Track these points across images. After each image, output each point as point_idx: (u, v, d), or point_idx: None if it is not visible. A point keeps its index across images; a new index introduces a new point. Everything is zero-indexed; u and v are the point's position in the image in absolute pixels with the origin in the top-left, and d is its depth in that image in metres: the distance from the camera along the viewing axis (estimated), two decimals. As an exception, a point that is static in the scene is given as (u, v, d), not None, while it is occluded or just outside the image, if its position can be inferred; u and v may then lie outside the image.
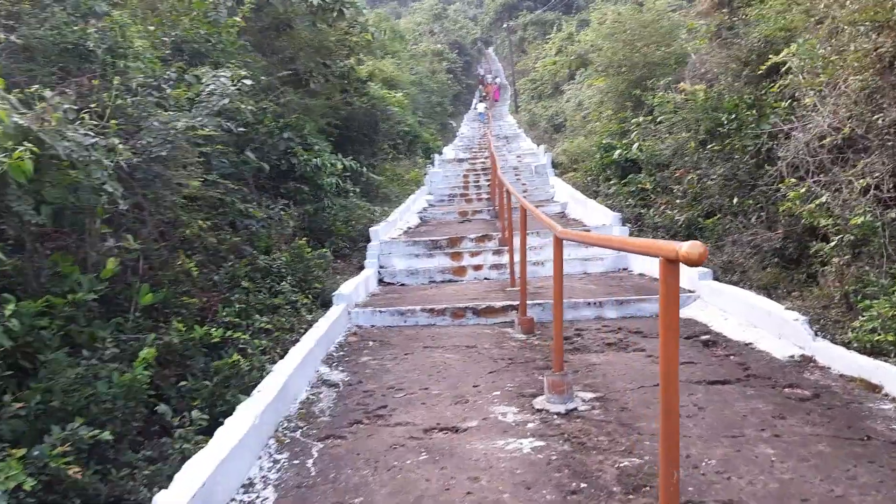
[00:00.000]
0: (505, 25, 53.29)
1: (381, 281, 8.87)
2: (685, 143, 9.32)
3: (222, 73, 5.43)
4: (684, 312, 6.21)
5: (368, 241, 9.75)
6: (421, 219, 13.48)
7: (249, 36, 10.76)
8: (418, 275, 8.89)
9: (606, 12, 30.49)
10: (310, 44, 12.27)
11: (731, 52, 9.11)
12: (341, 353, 5.39)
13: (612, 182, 12.81)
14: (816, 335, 4.53)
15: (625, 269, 8.73)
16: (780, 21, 8.54)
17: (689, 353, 4.84)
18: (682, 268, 6.27)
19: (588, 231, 9.67)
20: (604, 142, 14.00)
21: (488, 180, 17.48)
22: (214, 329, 4.64)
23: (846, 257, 5.11)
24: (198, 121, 4.85)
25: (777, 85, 7.77)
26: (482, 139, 30.14)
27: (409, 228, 11.93)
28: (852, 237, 5.24)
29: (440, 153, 22.81)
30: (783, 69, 7.65)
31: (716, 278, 6.45)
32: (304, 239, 7.66)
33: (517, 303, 6.41)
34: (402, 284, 8.76)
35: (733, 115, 7.78)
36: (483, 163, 20.80)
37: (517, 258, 7.84)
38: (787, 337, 4.72)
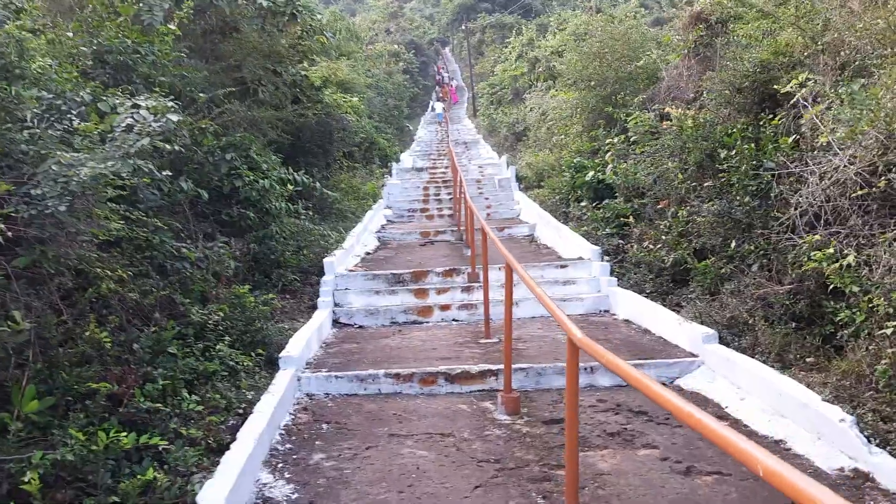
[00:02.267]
0: (463, 27, 52.52)
1: (336, 321, 7.90)
2: (669, 172, 8.59)
3: (143, 104, 4.39)
4: (686, 383, 5.44)
5: (322, 272, 8.76)
6: (380, 240, 12.52)
7: (190, 41, 9.64)
8: (378, 315, 7.94)
9: (567, 18, 30.10)
10: (258, 49, 11.18)
11: (721, 77, 8.40)
12: (288, 445, 4.41)
13: (583, 204, 12.07)
14: (869, 440, 3.77)
15: (607, 312, 7.95)
16: (776, 44, 7.88)
17: (709, 454, 4.03)
18: (682, 328, 5.47)
19: (565, 266, 8.87)
20: (574, 160, 13.26)
21: (449, 193, 16.63)
22: (124, 436, 3.62)
23: (888, 332, 4.38)
24: (109, 165, 3.82)
25: (778, 118, 7.09)
26: (441, 143, 29.26)
27: (368, 254, 10.96)
28: (891, 309, 4.51)
29: (398, 161, 21.83)
30: (787, 100, 6.98)
31: (721, 339, 5.69)
32: (247, 284, 6.65)
33: (496, 368, 5.54)
34: (361, 327, 7.80)
35: (733, 150, 7.04)
36: (444, 173, 19.93)
37: (492, 298, 7.01)
38: (829, 440, 3.95)
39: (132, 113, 4.25)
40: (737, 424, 4.52)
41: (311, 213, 12.36)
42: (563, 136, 16.94)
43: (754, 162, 6.83)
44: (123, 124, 4.16)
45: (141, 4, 7.83)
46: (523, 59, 30.66)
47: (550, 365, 5.57)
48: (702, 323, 6.02)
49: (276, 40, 12.06)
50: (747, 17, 11.62)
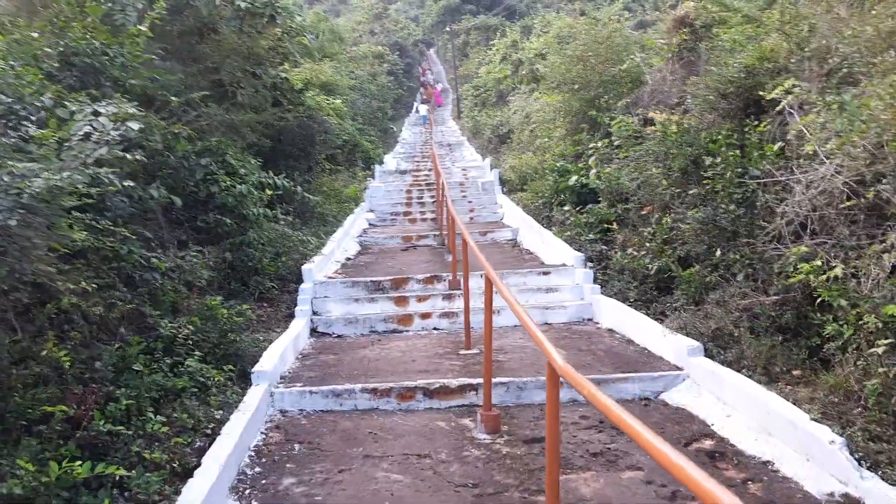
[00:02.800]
0: (447, 29, 52.34)
1: (314, 330, 7.70)
2: (653, 177, 8.47)
3: (104, 110, 4.17)
4: (671, 397, 5.30)
5: (301, 279, 8.55)
6: (361, 245, 12.32)
7: (166, 42, 9.41)
8: (358, 324, 7.76)
9: (551, 20, 30.02)
10: (238, 51, 10.94)
11: (705, 82, 8.30)
12: (257, 468, 4.22)
13: (566, 209, 11.94)
14: (860, 463, 3.63)
15: (590, 320, 7.80)
16: (761, 50, 7.78)
17: (696, 475, 3.88)
18: (667, 340, 5.33)
19: (548, 273, 8.72)
20: (558, 164, 13.13)
21: (433, 196, 16.45)
22: (79, 465, 3.41)
23: (879, 350, 4.26)
24: (64, 176, 3.60)
25: (763, 124, 6.98)
26: (425, 145, 29.07)
27: (349, 260, 10.75)
28: (880, 324, 4.40)
29: (381, 163, 21.61)
30: (772, 107, 6.87)
31: (707, 352, 5.55)
32: (222, 294, 6.44)
33: (476, 382, 5.37)
34: (340, 336, 7.61)
35: (718, 158, 6.92)
36: (427, 175, 19.74)
37: (473, 306, 6.85)
38: (819, 462, 3.81)
39: (90, 120, 4.04)
40: (723, 443, 4.38)
41: (291, 217, 12.16)
42: (546, 140, 16.83)
43: (739, 169, 6.71)
44: (81, 132, 3.95)
45: (112, 4, 7.61)
46: (507, 61, 30.56)
47: (532, 379, 5.41)
48: (687, 334, 5.89)
49: (255, 42, 11.83)
50: (731, 21, 11.56)
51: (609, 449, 4.36)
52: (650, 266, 7.67)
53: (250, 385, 5.33)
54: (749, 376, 4.98)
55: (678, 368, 5.56)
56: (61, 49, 5.97)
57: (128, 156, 4.27)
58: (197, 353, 5.36)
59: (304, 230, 11.78)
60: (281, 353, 5.92)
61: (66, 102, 4.64)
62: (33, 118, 4.39)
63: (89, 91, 5.86)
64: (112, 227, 5.42)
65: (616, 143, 11.57)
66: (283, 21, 9.89)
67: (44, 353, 4.06)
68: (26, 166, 3.56)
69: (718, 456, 4.20)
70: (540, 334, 3.20)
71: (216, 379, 5.31)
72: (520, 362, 6.05)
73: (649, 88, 12.50)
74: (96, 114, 4.15)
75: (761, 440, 4.26)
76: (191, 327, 5.48)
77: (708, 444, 4.38)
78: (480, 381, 5.34)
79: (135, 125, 4.24)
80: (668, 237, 7.87)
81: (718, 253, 6.68)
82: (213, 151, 7.99)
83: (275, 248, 9.17)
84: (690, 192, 7.40)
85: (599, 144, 11.64)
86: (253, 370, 5.37)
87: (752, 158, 6.78)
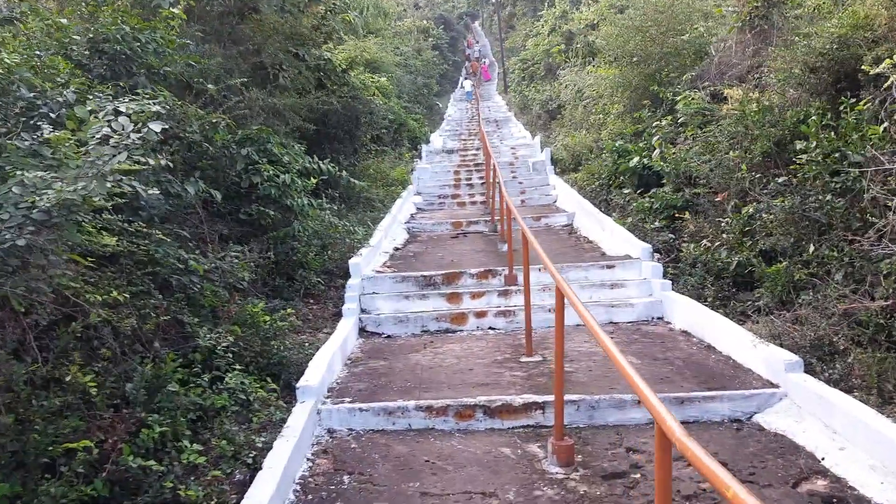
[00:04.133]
0: (493, 0, 51.11)
1: (363, 330, 7.26)
2: (729, 161, 7.71)
3: (124, 108, 3.71)
4: (767, 420, 4.66)
5: (347, 274, 8.10)
6: (409, 232, 11.82)
7: (204, 24, 8.98)
8: (408, 323, 7.28)
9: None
10: (280, 31, 10.47)
11: (788, 54, 7.47)
12: (304, 509, 3.77)
13: (626, 192, 11.22)
14: None
15: (660, 319, 7.17)
16: (854, 17, 6.92)
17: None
18: (757, 351, 4.67)
19: (612, 266, 8.06)
20: (616, 143, 12.36)
21: (481, 178, 15.85)
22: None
23: None
24: (79, 187, 3.16)
25: (863, 102, 6.18)
26: (471, 122, 28.36)
27: (397, 250, 10.26)
28: None
29: (427, 142, 21.03)
30: (870, 83, 6.07)
31: (806, 366, 4.88)
32: (264, 295, 6.01)
33: (542, 400, 4.83)
34: (389, 337, 7.15)
35: (811, 142, 6.16)
36: (475, 155, 19.09)
37: (533, 303, 6.27)
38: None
39: (110, 120, 3.59)
40: (840, 485, 3.75)
41: (337, 204, 11.73)
42: (601, 116, 16.01)
43: (837, 154, 5.94)
44: (99, 135, 3.50)
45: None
46: (556, 32, 29.44)
47: (606, 396, 4.84)
48: (781, 344, 5.22)
49: (298, 21, 11.35)
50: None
51: (704, 491, 3.77)
52: (729, 260, 6.97)
53: (295, 400, 4.89)
54: (864, 400, 4.31)
55: (773, 385, 4.90)
56: (91, 36, 5.55)
57: (151, 161, 3.81)
58: (237, 366, 4.94)
59: (350, 217, 11.34)
60: (328, 361, 5.46)
61: (89, 97, 4.20)
62: (53, 115, 3.97)
63: (119, 81, 5.45)
64: (145, 230, 5.02)
65: (681, 121, 10.78)
66: (326, -1, 9.31)
67: (68, 378, 3.67)
68: (38, 175, 3.13)
69: (837, 503, 3.57)
70: (639, 380, 2.63)
71: (258, 394, 4.89)
72: (588, 373, 5.48)
73: (716, 60, 11.60)
74: (117, 112, 3.69)
75: (888, 483, 3.61)
76: (230, 338, 5.04)
77: (821, 484, 3.75)
78: (547, 398, 4.81)
79: (157, 126, 3.76)
80: (748, 228, 7.15)
81: (811, 248, 5.95)
82: (255, 140, 7.54)
83: (321, 241, 8.74)
84: (778, 179, 6.63)
85: (663, 123, 10.83)
86: (298, 385, 4.92)
87: (850, 142, 6.01)
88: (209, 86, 6.58)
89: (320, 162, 9.73)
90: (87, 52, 5.57)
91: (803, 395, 4.60)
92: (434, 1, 54.83)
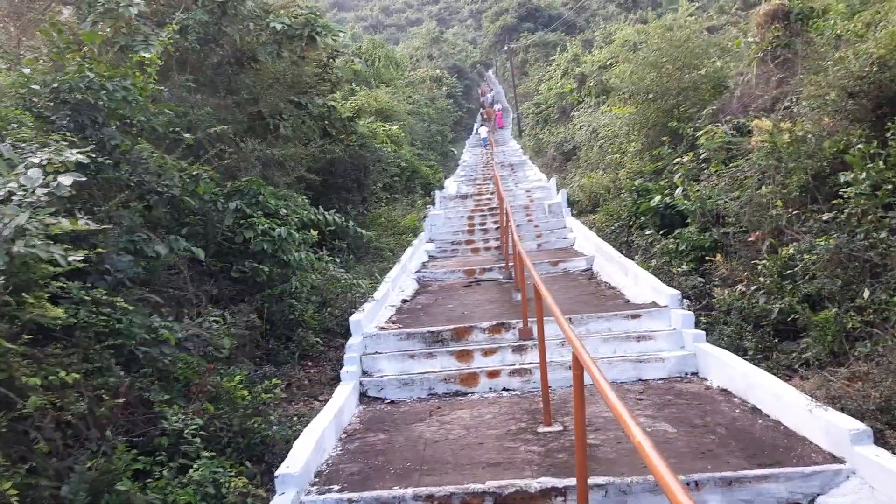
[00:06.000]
0: (506, 48, 51.44)
1: (363, 395, 6.59)
2: (763, 198, 7.03)
3: (37, 158, 3.16)
4: (832, 504, 3.88)
5: (349, 332, 7.46)
6: (419, 281, 11.19)
7: (197, 73, 8.60)
8: (414, 385, 6.61)
9: (613, 31, 28.51)
10: (282, 80, 10.09)
11: (822, 80, 6.84)
12: None
13: (648, 233, 10.54)
14: None
15: (695, 375, 6.42)
16: (892, 38, 6.31)
17: None
18: (815, 416, 3.89)
19: (638, 315, 7.34)
20: (636, 182, 11.74)
21: (496, 222, 15.24)
22: None
23: None
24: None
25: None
26: (486, 167, 27.98)
27: (405, 302, 9.62)
28: None
29: (441, 188, 20.56)
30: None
31: (876, 436, 4.11)
32: (257, 353, 5.39)
33: (563, 484, 4.11)
34: (392, 402, 6.47)
35: (860, 173, 5.48)
36: (489, 199, 18.55)
37: (550, 360, 5.58)
38: None
39: (20, 174, 3.04)
40: None
41: (345, 255, 11.18)
42: (617, 156, 15.46)
43: (889, 186, 5.26)
44: (3, 191, 2.95)
45: (132, 37, 6.80)
46: (569, 75, 29.22)
47: (639, 479, 4.10)
48: (841, 408, 4.46)
49: (300, 69, 11.00)
50: (835, 9, 10.05)
51: None
52: (769, 307, 6.24)
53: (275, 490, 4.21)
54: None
55: (837, 460, 4.13)
56: (55, 86, 5.08)
57: (65, 221, 3.24)
58: (211, 450, 4.27)
59: (358, 268, 10.78)
60: (317, 440, 4.78)
61: (21, 146, 3.68)
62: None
63: (83, 132, 4.96)
64: (105, 297, 4.44)
65: (703, 157, 10.16)
66: (323, 41, 8.89)
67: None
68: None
69: None
70: (653, 455, 1.94)
71: (234, 484, 4.21)
72: (617, 447, 4.74)
73: (738, 93, 11.04)
74: (26, 165, 3.15)
75: None
76: (199, 420, 4.38)
77: None
78: (569, 483, 4.08)
79: (67, 180, 3.21)
80: (787, 270, 6.43)
81: (866, 293, 5.22)
82: (245, 192, 7.02)
83: (321, 297, 8.14)
84: (821, 215, 5.94)
85: (685, 159, 10.20)
86: (277, 473, 4.24)
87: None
88: (185, 135, 6.08)
89: (326, 213, 9.22)
90: (51, 104, 5.10)
91: (876, 473, 3.83)
92: (447, 52, 55.38)
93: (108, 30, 7.16)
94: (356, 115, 14.61)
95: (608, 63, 21.13)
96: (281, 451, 4.80)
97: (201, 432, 4.38)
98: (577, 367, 3.44)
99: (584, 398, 3.56)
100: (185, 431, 4.26)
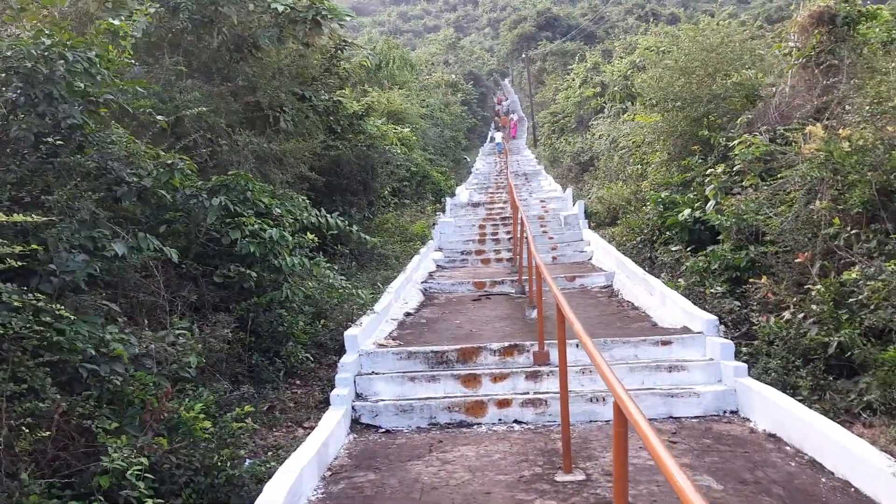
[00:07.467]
0: (523, 56, 50.70)
1: (356, 422, 5.82)
2: (814, 215, 6.22)
3: None
4: None
5: (343, 348, 6.69)
6: (425, 293, 10.42)
7: (190, 56, 7.89)
8: (413, 413, 5.83)
9: (633, 42, 27.72)
10: (285, 70, 9.36)
11: (889, 83, 6.03)
12: None
13: (674, 249, 9.72)
14: None
15: (734, 414, 5.61)
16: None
17: None
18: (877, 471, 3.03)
19: (668, 342, 6.51)
20: (661, 195, 10.93)
21: (508, 232, 14.47)
22: None
23: None
24: None
25: None
26: (499, 175, 27.23)
27: (408, 316, 8.83)
28: None
29: (452, 195, 19.80)
30: None
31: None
32: (238, 368, 4.62)
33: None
34: (388, 432, 5.69)
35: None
36: (502, 208, 17.78)
37: (571, 390, 4.76)
38: None
39: None
40: None
41: (347, 262, 10.44)
42: (640, 166, 14.64)
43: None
44: None
45: (111, 11, 6.10)
46: (588, 84, 28.43)
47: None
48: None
49: (306, 60, 10.29)
50: (882, 15, 9.27)
51: None
52: (823, 339, 5.41)
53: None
54: None
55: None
56: (8, 54, 4.35)
57: None
58: (151, 501, 3.48)
59: (360, 276, 10.01)
60: (292, 484, 3.99)
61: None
62: None
63: (36, 108, 4.23)
64: (45, 304, 3.69)
65: (737, 169, 9.34)
66: (329, 25, 8.15)
67: None
68: None
69: None
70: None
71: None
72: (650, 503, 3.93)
73: (776, 101, 10.21)
74: None
75: None
76: (143, 460, 3.58)
77: None
78: (597, 557, 3.28)
79: None
80: (843, 299, 5.61)
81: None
82: (231, 187, 6.27)
83: (315, 307, 7.37)
84: (888, 237, 5.12)
85: (719, 171, 9.38)
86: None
87: None
88: (158, 117, 5.34)
89: (328, 215, 8.44)
90: (2, 74, 4.37)
91: None
92: (463, 58, 54.81)
93: (93, 2, 6.47)
94: (366, 112, 13.84)
95: (630, 72, 20.35)
96: (251, 493, 4.03)
97: (148, 474, 3.59)
98: (620, 421, 2.64)
99: (627, 457, 2.76)
100: (128, 473, 3.47)
